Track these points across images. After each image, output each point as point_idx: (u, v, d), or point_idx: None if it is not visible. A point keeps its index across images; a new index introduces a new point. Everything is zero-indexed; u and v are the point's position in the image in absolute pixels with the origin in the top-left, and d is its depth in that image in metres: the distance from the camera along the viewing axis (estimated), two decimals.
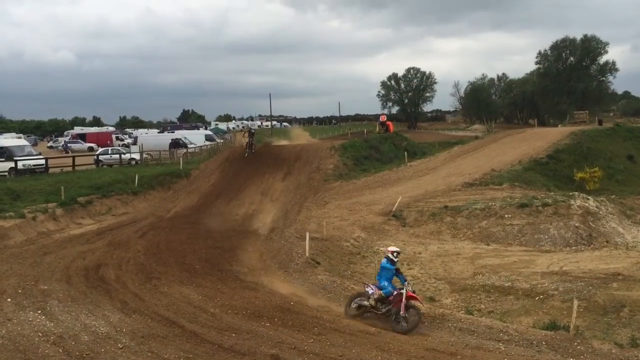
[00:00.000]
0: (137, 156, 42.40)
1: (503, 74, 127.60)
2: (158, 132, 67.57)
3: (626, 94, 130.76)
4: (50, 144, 75.85)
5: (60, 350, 10.05)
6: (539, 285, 14.29)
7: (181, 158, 38.78)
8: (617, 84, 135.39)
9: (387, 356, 9.65)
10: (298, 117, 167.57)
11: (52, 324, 11.38)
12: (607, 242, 19.09)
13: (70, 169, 36.26)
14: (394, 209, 22.57)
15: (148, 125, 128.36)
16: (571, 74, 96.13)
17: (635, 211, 23.65)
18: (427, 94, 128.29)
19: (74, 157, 39.10)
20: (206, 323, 11.51)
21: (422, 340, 10.49)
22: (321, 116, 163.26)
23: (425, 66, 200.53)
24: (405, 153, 37.54)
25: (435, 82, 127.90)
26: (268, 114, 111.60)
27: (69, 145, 66.33)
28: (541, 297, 13.73)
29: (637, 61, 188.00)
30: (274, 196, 28.13)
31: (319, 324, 11.40)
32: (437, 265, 16.65)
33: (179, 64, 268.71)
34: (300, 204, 25.44)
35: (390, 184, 29.05)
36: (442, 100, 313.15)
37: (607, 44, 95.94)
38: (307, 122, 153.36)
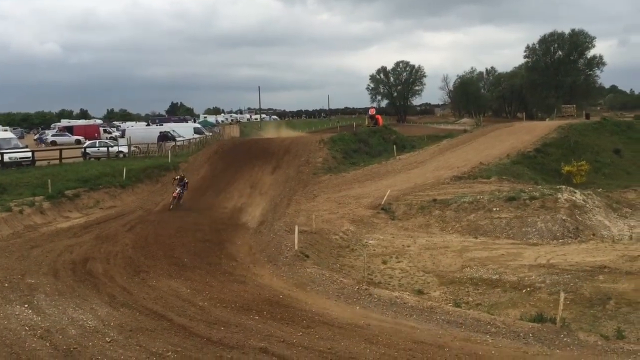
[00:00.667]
0: (125, 149, 42.13)
1: (492, 67, 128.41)
2: (146, 125, 67.20)
3: (613, 88, 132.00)
4: (37, 136, 75.24)
5: (48, 344, 10.00)
6: (526, 278, 14.39)
7: (169, 151, 38.62)
8: (605, 78, 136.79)
9: (376, 349, 9.68)
10: (288, 110, 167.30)
11: (39, 318, 11.31)
12: (593, 235, 19.28)
13: (57, 162, 35.95)
14: (382, 202, 22.62)
15: (136, 118, 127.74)
16: (559, 68, 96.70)
17: (622, 204, 23.90)
18: (417, 88, 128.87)
19: (60, 149, 38.75)
20: (195, 316, 11.48)
21: (410, 332, 10.53)
22: (311, 109, 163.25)
23: (415, 59, 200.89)
24: (394, 146, 37.60)
25: (425, 76, 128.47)
26: (257, 107, 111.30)
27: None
28: (528, 289, 13.84)
29: (624, 55, 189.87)
30: (263, 189, 28.10)
31: (308, 317, 11.41)
32: (425, 258, 16.71)
33: (167, 57, 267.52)
34: (290, 197, 25.43)
35: (379, 178, 29.09)
36: (431, 93, 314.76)
37: (594, 38, 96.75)
38: (297, 115, 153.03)
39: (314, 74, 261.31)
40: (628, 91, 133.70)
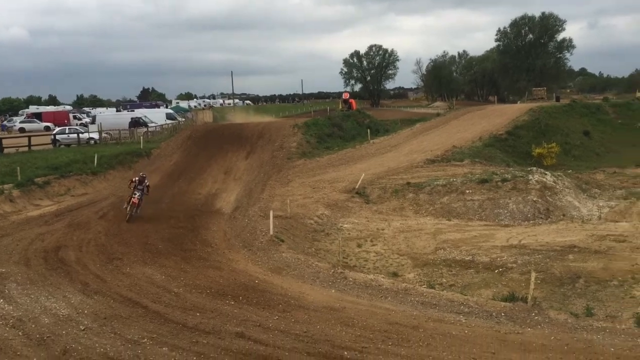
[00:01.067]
0: (95, 135, 41.48)
1: (464, 51, 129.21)
2: (116, 111, 66.18)
3: (582, 71, 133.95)
4: (5, 123, 73.59)
5: (20, 334, 9.88)
6: (499, 259, 14.65)
7: (141, 137, 38.14)
8: (574, 61, 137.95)
9: (352, 331, 9.78)
10: (261, 94, 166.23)
11: (11, 307, 11.16)
12: (563, 215, 19.67)
13: (26, 149, 35.22)
14: (357, 186, 22.72)
15: (106, 103, 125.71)
16: (530, 51, 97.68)
17: (591, 185, 24.40)
18: (390, 72, 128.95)
19: (29, 136, 37.96)
20: (170, 303, 11.44)
21: (385, 314, 10.65)
22: (284, 94, 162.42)
23: (388, 43, 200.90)
24: (368, 130, 37.68)
25: (398, 60, 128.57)
26: (230, 92, 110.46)
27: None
28: (500, 270, 14.10)
29: (593, 38, 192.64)
30: (237, 175, 27.96)
31: (284, 301, 11.46)
32: (400, 241, 16.87)
33: (137, 41, 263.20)
34: (264, 182, 25.35)
35: (354, 162, 29.17)
36: (405, 77, 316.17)
37: (564, 21, 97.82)
38: (270, 100, 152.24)
39: (286, 58, 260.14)
40: (597, 74, 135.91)
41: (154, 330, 9.95)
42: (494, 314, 10.71)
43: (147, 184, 20.59)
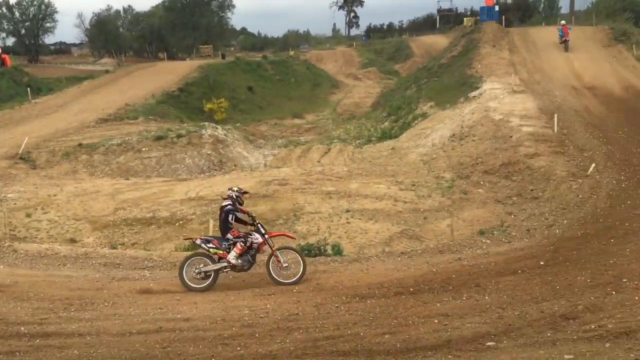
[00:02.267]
0: None
1: (129, 6, 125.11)
2: None
3: (244, 30, 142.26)
4: None
5: None
6: (179, 212, 15.22)
7: None
8: (236, 21, 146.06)
9: (28, 305, 8.93)
10: None
11: None
12: (235, 165, 21.28)
13: None
14: (20, 151, 20.79)
15: None
16: (194, 9, 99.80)
17: (256, 136, 26.82)
18: (48, 25, 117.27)
19: None
20: None
21: (65, 282, 10.16)
22: None
23: None
24: (29, 89, 34.54)
25: (56, 12, 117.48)
26: None
27: None
28: (181, 222, 14.69)
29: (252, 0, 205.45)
30: None
31: None
32: (75, 205, 16.07)
33: None
34: None
35: (14, 124, 26.47)
36: (67, 32, 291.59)
37: None
38: None
39: None
40: (256, 33, 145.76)
41: None
42: (177, 264, 11.15)
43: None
